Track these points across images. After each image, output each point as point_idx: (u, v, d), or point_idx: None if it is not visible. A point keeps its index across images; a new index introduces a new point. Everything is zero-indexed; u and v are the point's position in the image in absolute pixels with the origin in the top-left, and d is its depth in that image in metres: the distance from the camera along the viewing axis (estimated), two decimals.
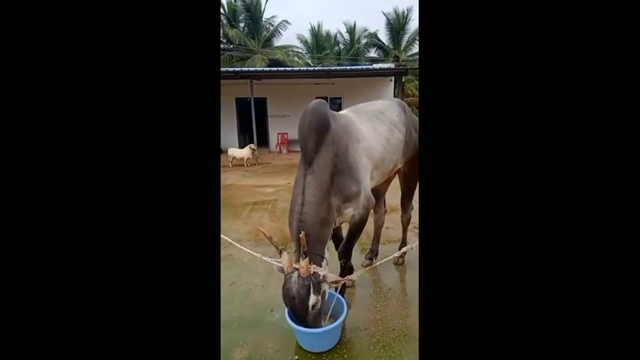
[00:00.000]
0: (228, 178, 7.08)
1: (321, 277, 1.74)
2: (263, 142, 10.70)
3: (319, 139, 1.95)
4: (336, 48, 21.25)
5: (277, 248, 1.77)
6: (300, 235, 1.66)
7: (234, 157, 8.38)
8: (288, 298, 1.72)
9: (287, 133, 10.69)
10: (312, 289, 1.69)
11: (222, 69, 11.26)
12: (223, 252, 3.22)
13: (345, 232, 2.34)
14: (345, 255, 2.28)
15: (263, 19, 18.16)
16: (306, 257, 1.68)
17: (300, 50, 20.33)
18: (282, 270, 1.79)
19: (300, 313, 1.73)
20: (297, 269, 1.71)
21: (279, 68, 10.18)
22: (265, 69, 10.49)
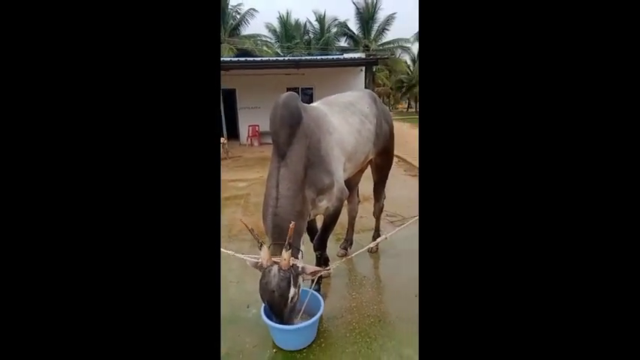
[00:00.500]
0: None
1: (299, 269, 1.75)
2: (233, 134, 10.45)
3: (292, 132, 1.93)
4: (306, 37, 21.02)
5: (258, 241, 1.74)
6: (290, 226, 1.65)
7: None
8: (266, 292, 1.69)
9: (258, 125, 10.51)
10: (291, 282, 1.70)
11: None
12: None
13: (319, 223, 2.36)
14: (320, 246, 2.30)
15: (229, 7, 17.53)
16: (290, 249, 1.67)
17: (269, 39, 19.89)
18: (256, 265, 1.78)
19: (279, 308, 1.72)
20: (276, 262, 1.71)
21: (248, 58, 9.91)
22: (233, 59, 10.17)
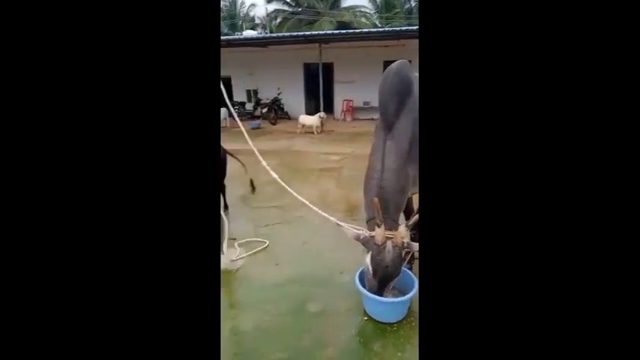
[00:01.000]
0: (294, 145, 7.32)
1: (405, 244, 1.77)
2: (328, 108, 10.67)
3: (401, 102, 1.88)
4: (407, 5, 19.57)
5: (380, 221, 1.72)
6: (415, 213, 1.73)
7: (303, 125, 8.55)
8: (381, 267, 1.74)
9: (352, 100, 10.49)
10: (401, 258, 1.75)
11: (292, 33, 11.18)
12: (295, 213, 3.43)
13: (415, 203, 2.30)
14: (416, 227, 2.26)
15: None
16: (409, 226, 1.72)
17: (368, 10, 19.20)
18: (358, 238, 1.84)
19: (389, 282, 1.79)
20: (388, 238, 1.74)
21: (348, 30, 9.78)
22: (334, 32, 10.19)
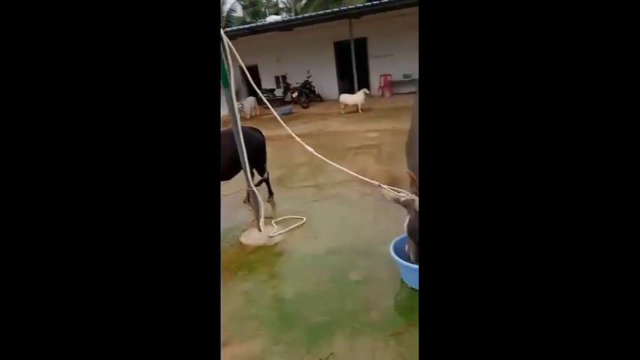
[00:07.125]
0: (329, 125, 7.28)
1: None
2: (364, 86, 10.40)
3: None
4: None
5: (417, 188, 1.75)
6: None
7: (345, 105, 8.37)
8: (415, 232, 1.75)
9: (390, 75, 10.10)
10: None
11: (319, 12, 10.90)
12: (331, 190, 3.45)
13: None
14: None
15: None
16: None
17: None
18: (398, 201, 1.81)
19: None
20: None
21: (382, 1, 9.26)
22: (366, 4, 9.76)
